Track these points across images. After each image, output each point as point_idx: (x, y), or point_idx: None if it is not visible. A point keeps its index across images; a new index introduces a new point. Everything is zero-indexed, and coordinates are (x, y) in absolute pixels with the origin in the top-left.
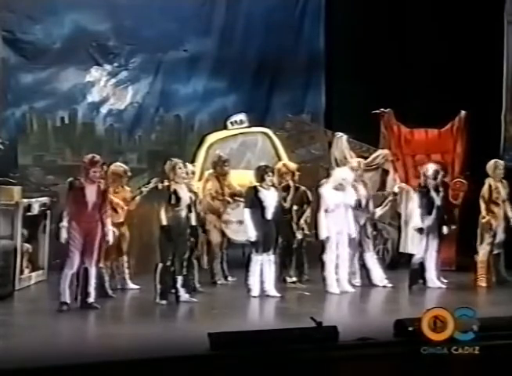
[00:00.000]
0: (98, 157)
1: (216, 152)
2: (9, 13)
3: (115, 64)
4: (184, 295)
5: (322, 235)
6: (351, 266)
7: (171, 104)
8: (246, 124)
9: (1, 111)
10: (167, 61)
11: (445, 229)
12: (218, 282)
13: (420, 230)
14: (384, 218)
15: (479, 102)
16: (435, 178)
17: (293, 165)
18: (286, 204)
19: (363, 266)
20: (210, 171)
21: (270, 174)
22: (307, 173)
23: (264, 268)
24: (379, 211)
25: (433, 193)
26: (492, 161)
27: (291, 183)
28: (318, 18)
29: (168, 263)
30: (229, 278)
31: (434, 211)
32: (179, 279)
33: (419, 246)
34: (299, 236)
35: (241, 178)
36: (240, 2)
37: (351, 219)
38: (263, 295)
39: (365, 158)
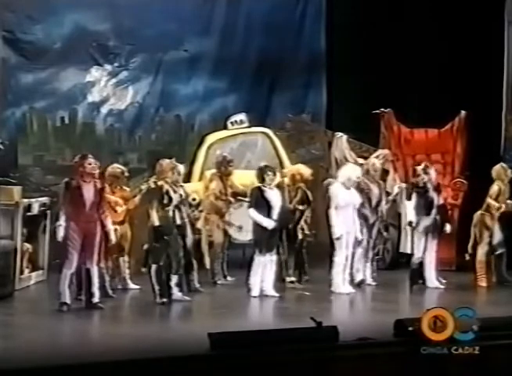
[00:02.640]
0: (86, 154)
1: (218, 152)
2: (9, 13)
3: (115, 64)
4: (177, 294)
5: (337, 233)
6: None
7: (172, 104)
8: (246, 124)
9: (1, 111)
10: (167, 61)
11: (448, 228)
12: (218, 282)
13: (410, 223)
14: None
15: (479, 102)
16: (428, 176)
17: (307, 174)
18: (291, 206)
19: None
20: (213, 171)
21: (269, 173)
22: None
23: (265, 268)
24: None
25: (432, 193)
26: (499, 166)
27: (302, 185)
28: (318, 18)
29: (161, 263)
30: (228, 278)
31: (434, 211)
32: (174, 278)
33: (418, 246)
34: (299, 236)
35: (241, 178)
36: (241, 2)
37: (357, 220)
38: (262, 295)
39: (365, 158)
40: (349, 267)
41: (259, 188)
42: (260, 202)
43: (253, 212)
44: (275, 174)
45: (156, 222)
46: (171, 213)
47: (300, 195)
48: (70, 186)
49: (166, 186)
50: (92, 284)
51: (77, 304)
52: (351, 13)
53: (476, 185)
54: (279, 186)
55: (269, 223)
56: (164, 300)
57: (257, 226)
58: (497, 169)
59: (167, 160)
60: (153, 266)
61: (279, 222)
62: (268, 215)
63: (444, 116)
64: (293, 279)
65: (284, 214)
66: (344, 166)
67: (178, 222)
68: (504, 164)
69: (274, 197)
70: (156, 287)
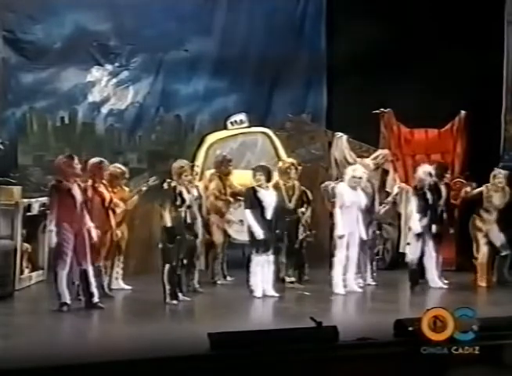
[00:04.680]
0: (72, 154)
1: (218, 152)
2: (10, 13)
3: (116, 64)
4: (178, 294)
5: (339, 231)
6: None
7: (172, 104)
8: (246, 124)
9: (2, 111)
10: (167, 61)
11: (434, 229)
12: (218, 282)
13: (418, 236)
14: (384, 219)
15: (479, 102)
16: (430, 178)
17: (290, 159)
18: (291, 205)
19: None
20: (213, 170)
21: (257, 174)
22: (307, 173)
23: (263, 268)
24: (380, 211)
25: (428, 195)
26: (494, 171)
27: (296, 183)
28: (319, 18)
29: (174, 263)
30: (228, 278)
31: (429, 212)
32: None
33: (414, 247)
34: (299, 236)
35: (241, 178)
36: (241, 2)
37: (361, 221)
38: (262, 295)
39: (366, 158)
40: (354, 267)
41: (253, 188)
42: (253, 202)
43: (248, 215)
44: (268, 174)
45: (169, 223)
46: (183, 214)
47: (299, 195)
48: (58, 189)
49: (180, 187)
50: (90, 284)
51: (78, 304)
52: (351, 13)
53: (476, 185)
54: (276, 187)
55: (259, 233)
56: (175, 302)
57: (257, 226)
58: (492, 173)
59: (176, 164)
60: (166, 266)
61: (273, 223)
62: (262, 215)
63: (444, 116)
64: (293, 279)
65: (280, 214)
66: (349, 167)
67: (189, 221)
68: (497, 170)
69: (268, 197)
70: (167, 287)
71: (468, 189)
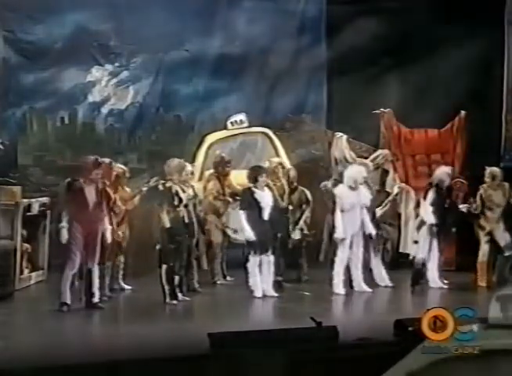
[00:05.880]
0: (100, 159)
1: (217, 152)
2: (10, 13)
3: (116, 64)
4: (178, 294)
5: (340, 235)
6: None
7: (172, 104)
8: (246, 124)
9: (2, 111)
10: (167, 61)
11: (441, 228)
12: (218, 282)
13: (431, 227)
14: (384, 218)
15: (479, 102)
16: (449, 179)
17: (277, 159)
18: (284, 204)
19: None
20: (211, 171)
21: (263, 175)
22: (307, 173)
23: (262, 268)
24: (379, 211)
25: (442, 195)
26: (487, 169)
27: (284, 182)
28: (319, 18)
29: (172, 263)
30: (228, 278)
31: (440, 212)
32: (176, 278)
33: (422, 246)
34: (298, 236)
35: (241, 178)
36: (242, 2)
37: (367, 219)
38: (262, 295)
39: (365, 158)
40: (361, 267)
41: (249, 189)
42: (251, 203)
43: (242, 216)
44: (265, 174)
45: (168, 224)
46: (181, 214)
47: (299, 195)
48: (72, 187)
49: (175, 187)
50: (92, 284)
51: (78, 304)
52: (351, 13)
53: (476, 185)
54: (269, 187)
55: (250, 236)
56: (174, 302)
57: (249, 228)
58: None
59: (176, 161)
60: (164, 266)
61: (270, 223)
62: (260, 216)
63: (444, 116)
64: (279, 278)
65: (277, 214)
66: (348, 167)
67: (187, 221)
68: (489, 168)
69: (265, 197)
70: (166, 288)
71: (474, 205)
